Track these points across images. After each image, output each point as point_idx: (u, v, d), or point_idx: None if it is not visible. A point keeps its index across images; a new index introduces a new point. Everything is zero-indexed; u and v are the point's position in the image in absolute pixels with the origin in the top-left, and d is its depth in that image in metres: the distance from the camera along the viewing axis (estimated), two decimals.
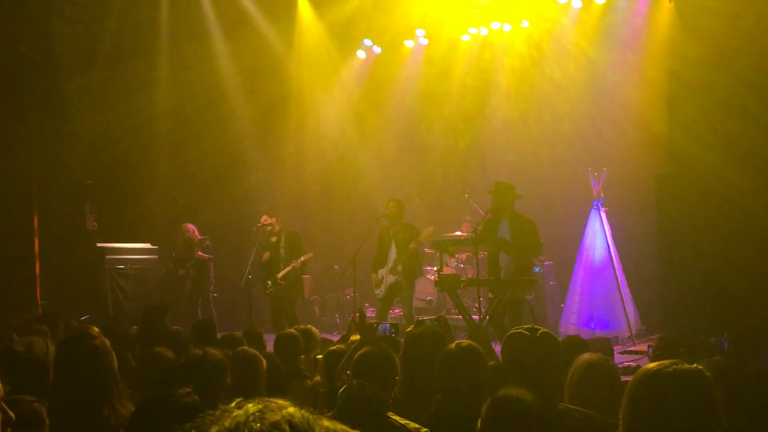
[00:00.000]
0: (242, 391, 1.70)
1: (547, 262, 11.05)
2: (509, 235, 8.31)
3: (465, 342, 3.62)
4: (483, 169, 12.62)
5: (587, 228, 10.24)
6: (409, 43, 13.34)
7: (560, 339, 6.74)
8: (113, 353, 3.76)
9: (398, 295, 9.68)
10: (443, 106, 13.31)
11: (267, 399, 1.15)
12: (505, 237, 8.31)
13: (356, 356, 3.84)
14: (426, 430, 3.35)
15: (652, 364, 2.60)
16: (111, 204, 12.00)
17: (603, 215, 10.13)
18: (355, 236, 10.50)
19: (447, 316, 8.59)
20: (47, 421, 3.04)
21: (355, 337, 5.66)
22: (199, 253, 11.27)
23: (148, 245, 11.91)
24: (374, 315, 9.80)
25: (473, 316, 8.56)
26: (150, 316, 6.96)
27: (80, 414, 3.41)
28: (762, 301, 8.43)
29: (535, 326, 3.45)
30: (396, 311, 10.83)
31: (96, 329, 3.85)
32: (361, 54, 13.63)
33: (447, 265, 11.14)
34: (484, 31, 12.68)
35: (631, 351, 8.82)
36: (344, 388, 3.52)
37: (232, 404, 1.15)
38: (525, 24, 12.24)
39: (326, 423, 1.13)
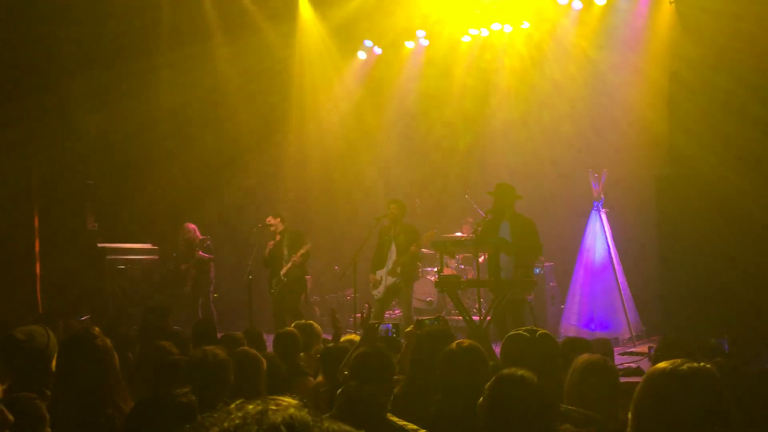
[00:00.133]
0: (243, 392, 1.70)
1: (547, 263, 11.05)
2: (510, 236, 8.31)
3: (466, 342, 3.62)
4: (483, 169, 12.62)
5: (587, 229, 10.23)
6: (409, 44, 13.34)
7: (561, 340, 6.75)
8: (115, 353, 3.77)
9: (396, 297, 9.68)
10: (444, 107, 13.31)
11: (271, 399, 1.15)
12: (506, 238, 8.31)
13: (354, 356, 3.85)
14: (423, 431, 3.35)
15: (663, 364, 2.60)
16: (111, 204, 12.00)
17: (603, 216, 10.13)
18: (355, 237, 10.50)
19: (447, 317, 8.61)
20: (48, 417, 3.04)
21: (348, 336, 5.68)
22: (200, 253, 11.28)
23: (148, 245, 11.91)
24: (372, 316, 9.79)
25: (473, 317, 8.55)
26: (151, 317, 6.96)
27: (84, 413, 3.41)
28: (762, 302, 8.43)
29: (534, 327, 3.45)
30: (396, 312, 10.84)
31: (97, 329, 3.86)
32: (361, 55, 13.64)
33: (447, 266, 11.14)
34: (485, 32, 12.67)
35: (631, 352, 8.82)
36: (342, 389, 3.52)
37: (232, 405, 1.15)
38: (525, 25, 12.24)
39: (326, 424, 1.13)
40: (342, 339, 5.61)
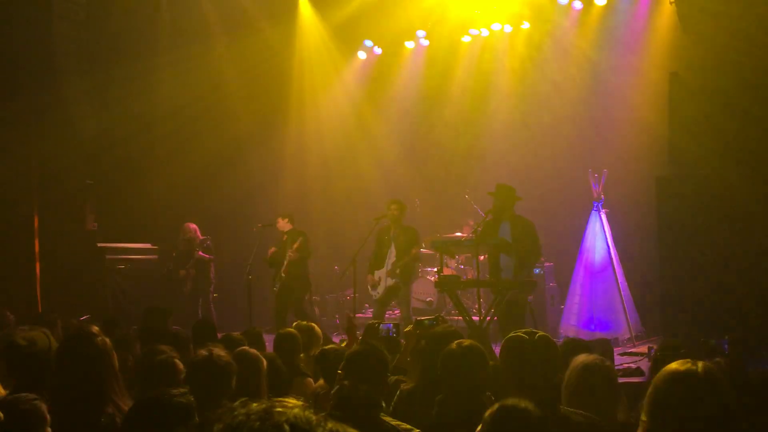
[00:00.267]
0: (244, 392, 1.70)
1: (547, 264, 11.05)
2: (510, 237, 8.33)
3: (467, 341, 3.61)
4: (483, 170, 12.61)
5: (587, 229, 10.23)
6: (409, 44, 13.34)
7: (561, 340, 6.75)
8: (114, 353, 3.77)
9: (395, 298, 9.69)
10: (444, 107, 13.31)
11: (276, 399, 1.16)
12: (506, 239, 8.32)
13: (346, 355, 3.85)
14: (417, 431, 3.35)
15: (675, 364, 2.61)
16: (111, 204, 11.99)
17: (603, 217, 10.13)
18: (355, 237, 10.51)
19: (447, 317, 8.61)
20: (48, 418, 3.04)
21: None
22: (200, 253, 11.28)
23: (148, 245, 11.92)
24: (372, 316, 9.81)
25: (473, 317, 8.55)
26: (151, 317, 6.95)
27: (84, 412, 3.41)
28: (762, 303, 8.43)
29: (534, 329, 3.45)
30: (396, 312, 10.84)
31: (96, 328, 3.86)
32: (361, 55, 13.64)
33: (447, 266, 11.15)
34: (485, 33, 12.68)
35: (631, 352, 8.82)
36: (337, 389, 3.53)
37: (237, 403, 1.15)
38: (525, 25, 12.25)
39: (330, 425, 1.13)
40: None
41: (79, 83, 11.69)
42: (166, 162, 12.94)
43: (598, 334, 9.13)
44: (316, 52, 13.51)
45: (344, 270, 10.58)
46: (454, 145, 13.31)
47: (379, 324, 5.46)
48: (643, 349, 8.66)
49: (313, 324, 6.28)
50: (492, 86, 12.94)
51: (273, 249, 10.36)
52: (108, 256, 11.19)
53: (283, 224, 10.33)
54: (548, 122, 12.38)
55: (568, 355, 3.93)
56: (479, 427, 2.62)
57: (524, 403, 2.61)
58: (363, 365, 3.61)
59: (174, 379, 3.70)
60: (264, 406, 1.13)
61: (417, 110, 13.63)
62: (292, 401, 1.15)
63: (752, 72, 8.97)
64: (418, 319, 5.43)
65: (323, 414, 1.15)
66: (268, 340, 6.15)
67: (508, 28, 12.42)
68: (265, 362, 4.29)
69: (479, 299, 8.79)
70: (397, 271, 9.40)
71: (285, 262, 10.10)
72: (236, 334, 5.69)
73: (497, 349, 3.79)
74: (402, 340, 5.38)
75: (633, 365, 7.71)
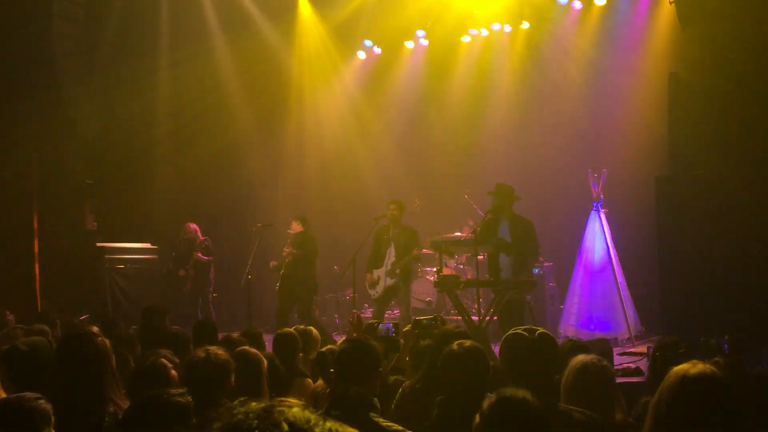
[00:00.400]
0: (244, 392, 1.70)
1: (546, 263, 11.06)
2: (509, 237, 8.34)
3: (468, 342, 3.61)
4: (483, 169, 12.61)
5: (587, 229, 10.23)
6: (409, 44, 13.34)
7: (560, 340, 6.75)
8: (112, 353, 3.77)
9: (395, 297, 9.69)
10: (443, 107, 13.31)
11: (276, 399, 1.16)
12: (505, 238, 8.33)
13: (337, 350, 3.85)
14: None
15: (685, 366, 2.61)
16: (111, 204, 12.00)
17: (603, 216, 10.13)
18: (354, 237, 10.51)
19: (446, 317, 8.62)
20: (53, 417, 3.05)
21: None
22: (198, 254, 11.25)
23: (147, 245, 11.91)
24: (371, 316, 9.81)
25: (473, 317, 8.56)
26: (150, 317, 6.95)
27: (84, 412, 3.41)
28: (762, 303, 8.43)
29: (534, 327, 3.45)
30: (395, 312, 10.84)
31: (96, 329, 3.86)
32: (361, 54, 13.63)
33: (446, 266, 11.15)
34: (485, 32, 12.68)
35: (630, 352, 8.82)
36: (330, 389, 3.52)
37: (236, 402, 1.15)
38: (525, 25, 12.25)
39: (329, 424, 1.13)
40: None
41: (78, 83, 11.70)
42: (165, 162, 12.95)
43: (598, 334, 9.14)
44: (315, 52, 13.51)
45: (344, 270, 10.58)
46: (454, 145, 13.32)
47: (378, 324, 5.46)
48: (643, 348, 8.66)
49: (311, 327, 6.27)
50: (491, 86, 12.94)
51: (273, 263, 10.41)
52: (107, 256, 11.18)
53: (295, 226, 10.33)
54: (548, 122, 12.39)
55: (567, 356, 3.93)
56: (477, 418, 2.61)
57: (522, 393, 2.59)
58: (352, 361, 3.61)
59: (165, 383, 3.70)
60: (263, 405, 1.13)
61: (416, 110, 13.64)
62: (292, 401, 1.16)
63: (752, 72, 8.96)
64: (417, 318, 5.42)
65: (321, 413, 1.15)
66: (268, 341, 6.15)
67: (507, 28, 12.42)
68: (265, 362, 4.29)
69: (479, 299, 8.79)
70: (397, 271, 9.40)
71: (285, 261, 10.12)
72: (236, 334, 5.69)
73: (497, 349, 3.78)
74: (401, 340, 5.37)
75: (632, 365, 7.71)
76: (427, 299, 11.39)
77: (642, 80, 11.10)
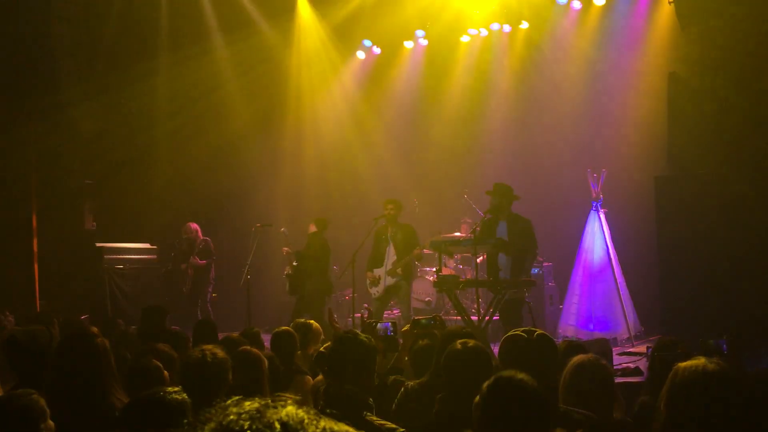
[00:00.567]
0: (245, 391, 1.70)
1: (546, 264, 11.05)
2: (507, 236, 8.34)
3: (471, 342, 3.59)
4: (482, 169, 12.61)
5: (586, 229, 10.23)
6: (408, 44, 13.33)
7: (559, 340, 6.74)
8: (111, 353, 3.77)
9: (395, 296, 9.69)
10: (443, 107, 13.31)
11: (272, 396, 1.15)
12: (504, 238, 8.33)
13: (327, 350, 3.84)
14: (402, 430, 3.34)
15: (693, 363, 2.63)
16: (110, 204, 12.00)
17: (602, 216, 10.13)
18: (353, 237, 10.51)
19: (446, 317, 8.61)
20: (48, 411, 3.05)
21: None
22: (195, 259, 11.19)
23: (146, 245, 11.91)
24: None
25: (472, 317, 8.56)
26: (150, 317, 6.95)
27: (86, 405, 3.42)
28: (761, 303, 8.43)
29: (533, 328, 3.45)
30: (395, 312, 10.84)
31: (96, 329, 3.87)
32: (360, 54, 13.63)
33: (446, 266, 11.14)
34: (484, 32, 12.68)
35: (630, 352, 8.81)
36: (324, 387, 3.52)
37: (229, 401, 1.14)
38: (524, 25, 12.25)
39: (323, 423, 1.12)
40: None
41: (78, 84, 11.69)
42: (164, 162, 12.94)
43: (597, 334, 9.14)
44: (314, 52, 13.50)
45: (343, 270, 10.59)
46: (453, 145, 13.31)
47: (376, 323, 5.45)
48: (642, 348, 8.65)
49: (311, 321, 6.25)
50: (491, 86, 12.94)
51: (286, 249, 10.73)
52: (106, 256, 11.18)
53: (311, 227, 10.50)
54: (547, 122, 12.38)
55: (564, 356, 3.93)
56: (476, 398, 2.62)
57: (520, 375, 2.62)
58: (342, 359, 3.60)
59: (160, 383, 3.70)
60: (257, 405, 1.12)
61: (416, 110, 13.63)
62: (287, 398, 1.15)
63: (751, 71, 8.97)
64: (416, 318, 5.42)
65: (316, 412, 1.14)
66: (267, 340, 6.15)
67: (507, 28, 12.42)
68: (266, 361, 4.29)
69: (478, 299, 8.79)
70: (399, 270, 9.40)
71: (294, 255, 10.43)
72: (235, 334, 5.68)
73: (496, 349, 3.78)
74: (400, 340, 5.36)
75: (632, 365, 7.70)
76: (427, 299, 11.38)
77: (641, 80, 11.09)
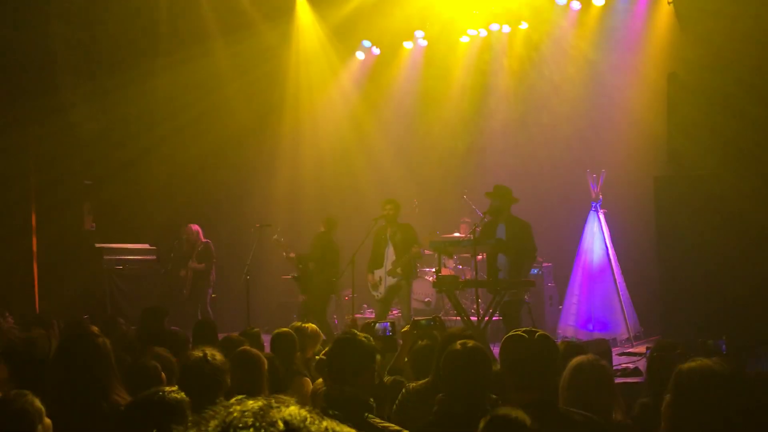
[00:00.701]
0: (245, 391, 1.70)
1: (545, 264, 11.05)
2: (506, 238, 8.34)
3: (471, 342, 3.59)
4: (482, 170, 12.62)
5: (586, 230, 10.23)
6: (408, 45, 13.34)
7: (559, 341, 6.74)
8: (112, 353, 3.77)
9: (397, 296, 9.69)
10: (442, 108, 13.31)
11: (274, 396, 1.15)
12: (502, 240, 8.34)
13: (332, 344, 3.83)
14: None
15: (696, 363, 2.64)
16: (109, 204, 11.98)
17: (601, 217, 10.13)
18: (352, 238, 10.51)
19: (445, 318, 8.61)
20: (43, 409, 3.05)
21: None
22: (194, 263, 11.16)
23: (146, 246, 11.90)
24: (373, 316, 9.82)
25: (471, 318, 8.56)
26: (149, 317, 6.95)
27: (86, 404, 3.42)
28: (760, 303, 8.43)
29: (533, 328, 3.44)
30: (395, 312, 10.84)
31: (96, 329, 3.87)
32: (360, 55, 13.63)
33: (445, 266, 11.14)
34: (483, 33, 12.69)
35: (629, 353, 8.82)
36: (325, 390, 3.51)
37: (232, 400, 1.15)
38: (524, 26, 12.25)
39: (325, 423, 1.13)
40: None
41: (77, 85, 11.68)
42: (164, 163, 12.94)
43: (597, 335, 9.15)
44: (314, 52, 13.50)
45: (343, 270, 10.59)
46: (453, 146, 13.31)
47: (375, 323, 5.45)
48: (642, 349, 8.66)
49: (307, 325, 6.23)
50: (490, 86, 12.94)
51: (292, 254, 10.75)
52: (106, 257, 11.17)
53: (321, 227, 10.50)
54: (547, 122, 12.39)
55: (565, 358, 3.92)
56: None
57: (515, 413, 2.60)
58: (341, 361, 3.59)
59: (158, 383, 3.70)
60: (260, 403, 1.13)
61: (415, 111, 13.63)
62: (289, 399, 1.15)
63: (751, 72, 8.96)
64: (416, 319, 5.41)
65: (318, 412, 1.14)
66: (266, 341, 6.14)
67: (506, 29, 12.43)
68: (266, 361, 4.29)
69: (477, 299, 8.79)
70: (399, 270, 9.41)
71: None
72: (235, 335, 5.68)
73: (496, 350, 3.78)
74: (399, 340, 5.36)
75: (631, 365, 7.71)
76: (426, 300, 11.39)
77: (641, 80, 11.10)
